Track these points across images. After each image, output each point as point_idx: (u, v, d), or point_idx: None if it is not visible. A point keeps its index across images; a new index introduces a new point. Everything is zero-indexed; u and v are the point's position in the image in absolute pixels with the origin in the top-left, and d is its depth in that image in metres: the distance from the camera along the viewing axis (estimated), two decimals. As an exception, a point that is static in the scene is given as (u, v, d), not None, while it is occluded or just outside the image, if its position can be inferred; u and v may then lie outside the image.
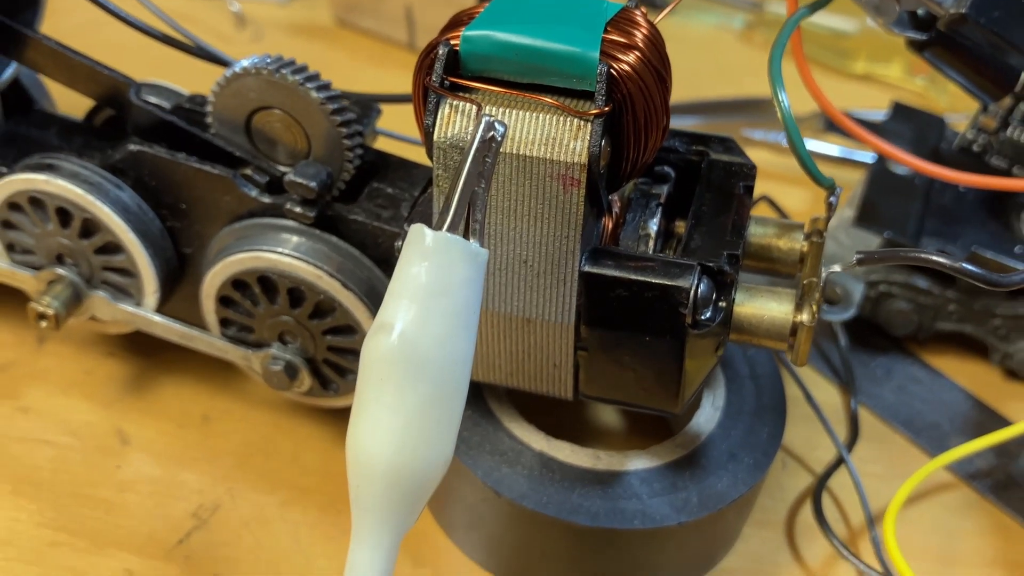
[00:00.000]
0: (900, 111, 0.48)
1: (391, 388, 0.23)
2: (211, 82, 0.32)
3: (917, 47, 0.35)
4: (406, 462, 0.23)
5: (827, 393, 0.42)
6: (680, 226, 0.32)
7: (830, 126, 0.49)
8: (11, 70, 0.37)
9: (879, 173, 0.44)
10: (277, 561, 0.34)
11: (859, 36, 0.61)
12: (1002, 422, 0.42)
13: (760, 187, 0.51)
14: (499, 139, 0.24)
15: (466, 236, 0.24)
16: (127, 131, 0.35)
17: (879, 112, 0.50)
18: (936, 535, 0.37)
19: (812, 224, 0.32)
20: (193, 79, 0.39)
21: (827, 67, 0.62)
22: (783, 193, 0.51)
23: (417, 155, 0.32)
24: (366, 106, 0.35)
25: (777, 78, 0.30)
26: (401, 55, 0.60)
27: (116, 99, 0.34)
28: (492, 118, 0.24)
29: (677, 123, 0.55)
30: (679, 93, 0.58)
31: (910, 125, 0.47)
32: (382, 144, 0.36)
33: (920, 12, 0.34)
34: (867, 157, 0.51)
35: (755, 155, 0.53)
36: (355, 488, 0.24)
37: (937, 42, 0.34)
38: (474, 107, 0.26)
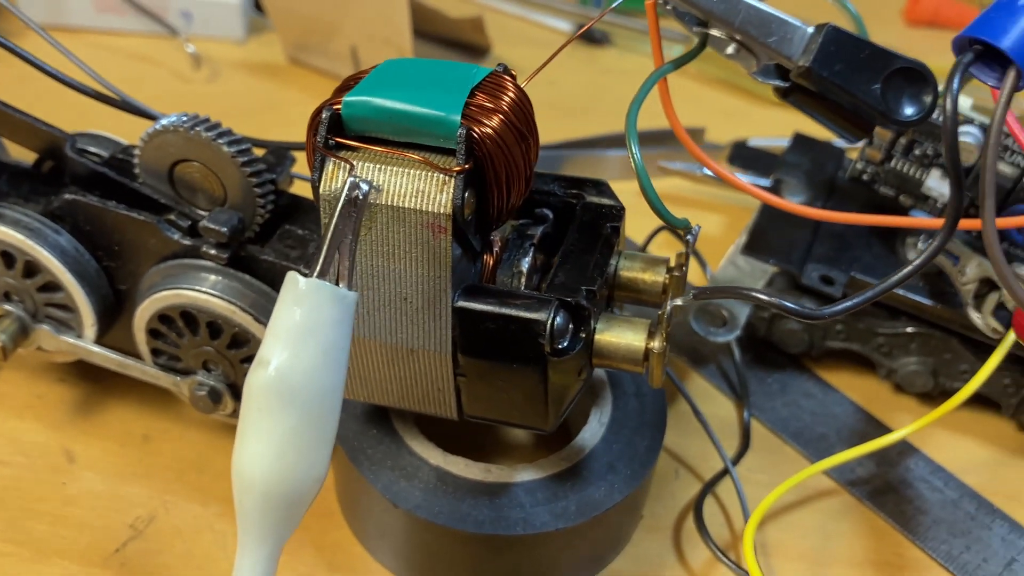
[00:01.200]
0: (800, 142, 0.52)
1: (267, 416, 0.27)
2: (148, 126, 0.36)
3: (781, 93, 0.38)
4: (281, 480, 0.27)
5: (723, 407, 0.46)
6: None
7: (736, 156, 0.53)
8: (-37, 124, 0.41)
9: (772, 202, 0.48)
10: (207, 567, 0.38)
11: (782, 66, 0.64)
12: (887, 432, 0.45)
13: (679, 213, 0.55)
14: (363, 196, 0.28)
15: (337, 282, 0.28)
16: (65, 180, 0.38)
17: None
18: (813, 537, 0.41)
19: (676, 259, 0.35)
20: (132, 122, 0.42)
21: (748, 92, 0.66)
22: (700, 219, 0.55)
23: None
24: (281, 155, 0.38)
25: (632, 133, 0.33)
26: (348, 91, 0.63)
27: (54, 152, 0.38)
28: (357, 178, 0.28)
29: (605, 154, 0.59)
30: (613, 123, 0.62)
31: (809, 156, 0.51)
32: (299, 187, 0.40)
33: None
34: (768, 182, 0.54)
35: (674, 183, 0.57)
36: (238, 503, 0.27)
37: (797, 90, 0.38)
38: (348, 166, 0.30)
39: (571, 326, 0.32)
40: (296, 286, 0.27)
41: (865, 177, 0.48)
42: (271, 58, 0.66)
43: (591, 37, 0.70)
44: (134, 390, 0.43)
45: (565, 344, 0.31)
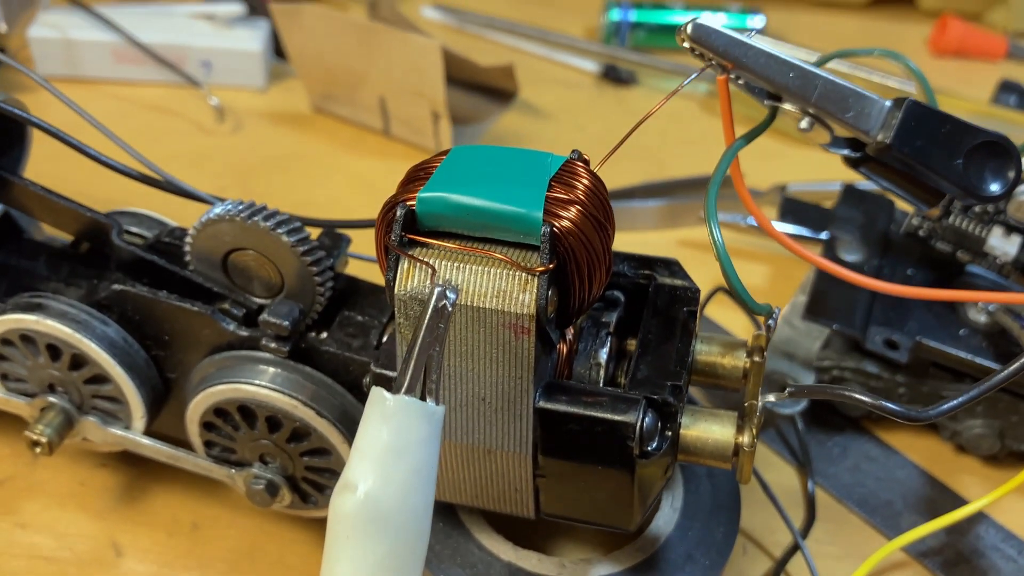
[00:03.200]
0: (850, 194, 0.51)
1: (357, 543, 0.25)
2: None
3: (852, 164, 0.37)
4: (373, 611, 0.25)
5: (785, 475, 0.44)
6: (632, 344, 0.34)
7: (787, 211, 0.52)
8: None
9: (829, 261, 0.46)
10: (265, 668, 0.36)
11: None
12: (953, 497, 0.44)
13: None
14: (450, 307, 0.27)
15: (423, 396, 0.26)
16: (111, 266, 0.37)
17: (839, 183, 0.52)
18: (889, 616, 0.39)
19: (754, 341, 0.34)
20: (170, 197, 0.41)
21: (792, 138, 0.64)
22: (745, 271, 0.53)
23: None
24: (336, 237, 0.37)
25: (712, 215, 0.32)
26: (376, 141, 0.62)
27: (99, 238, 0.36)
28: (443, 287, 0.27)
29: (643, 204, 0.58)
30: (646, 171, 0.61)
31: (860, 209, 0.50)
32: (353, 266, 0.38)
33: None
34: (825, 234, 0.53)
35: (717, 234, 0.56)
36: (328, 637, 0.26)
37: (870, 160, 0.37)
38: (430, 269, 0.28)
39: (658, 424, 0.30)
40: (383, 404, 0.26)
41: (921, 233, 0.47)
42: (294, 106, 0.64)
43: (617, 77, 0.69)
44: (179, 475, 0.42)
45: (654, 445, 0.30)
